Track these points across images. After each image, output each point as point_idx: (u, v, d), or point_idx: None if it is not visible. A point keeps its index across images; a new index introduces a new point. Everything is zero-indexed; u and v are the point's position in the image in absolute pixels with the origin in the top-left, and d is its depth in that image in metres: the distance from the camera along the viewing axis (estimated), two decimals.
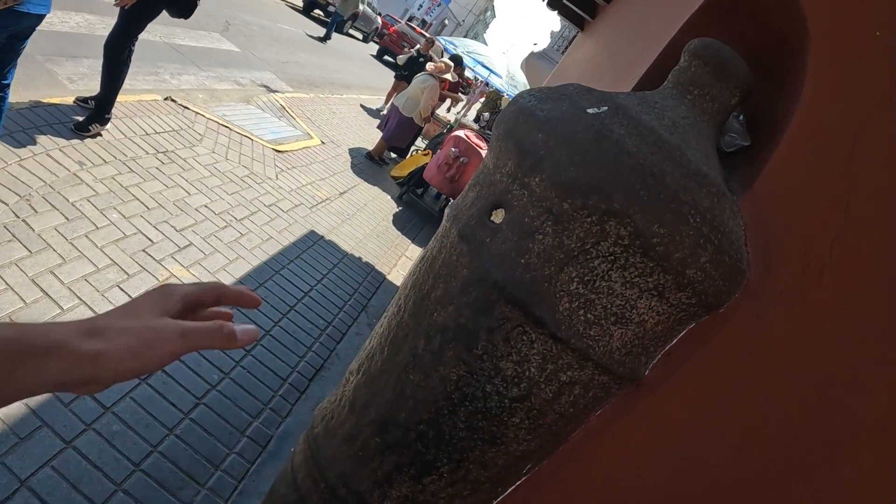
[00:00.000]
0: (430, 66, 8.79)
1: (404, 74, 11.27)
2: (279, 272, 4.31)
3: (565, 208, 1.02)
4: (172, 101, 5.65)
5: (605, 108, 1.10)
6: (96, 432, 2.45)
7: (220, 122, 6.05)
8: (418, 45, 13.52)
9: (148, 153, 4.55)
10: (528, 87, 9.86)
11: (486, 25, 69.59)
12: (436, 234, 1.31)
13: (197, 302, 0.63)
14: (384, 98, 12.79)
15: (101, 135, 4.29)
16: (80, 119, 4.22)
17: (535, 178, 1.05)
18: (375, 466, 1.31)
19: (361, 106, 12.30)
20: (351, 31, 22.75)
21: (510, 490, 1.41)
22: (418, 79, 8.53)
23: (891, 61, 1.16)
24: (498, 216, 1.12)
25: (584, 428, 1.32)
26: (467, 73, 13.75)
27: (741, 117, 1.43)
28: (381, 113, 11.66)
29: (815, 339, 1.23)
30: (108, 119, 4.35)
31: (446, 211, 1.27)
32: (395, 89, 11.69)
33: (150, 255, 3.56)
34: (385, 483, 1.31)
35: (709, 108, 1.25)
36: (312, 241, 5.11)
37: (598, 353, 1.10)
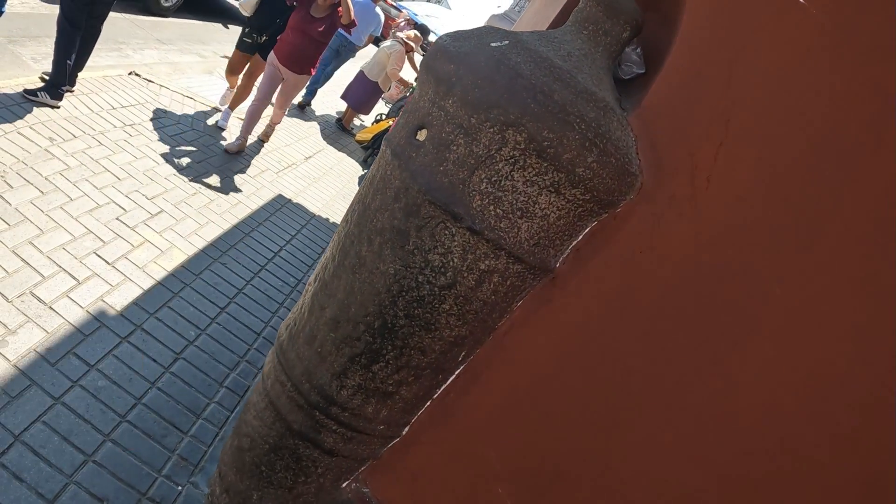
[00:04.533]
0: (410, 33, 8.85)
1: (259, 42, 5.71)
2: (249, 234, 4.50)
3: (473, 122, 1.24)
4: (136, 75, 5.74)
5: (507, 42, 1.32)
6: (83, 388, 2.64)
7: (185, 93, 6.14)
8: None
9: (116, 126, 4.67)
10: None
11: None
12: (376, 158, 1.54)
13: None
14: (221, 95, 6.46)
15: (54, 107, 4.37)
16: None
17: (449, 100, 1.28)
18: (332, 360, 1.54)
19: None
20: None
21: (451, 380, 1.64)
22: (386, 44, 8.59)
23: None
24: (422, 135, 1.34)
25: (511, 320, 1.55)
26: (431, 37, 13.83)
27: (638, 49, 1.65)
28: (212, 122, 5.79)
29: (705, 236, 1.47)
30: (62, 94, 4.41)
31: (384, 138, 1.50)
32: (238, 70, 6.04)
33: (123, 223, 3.73)
34: (342, 374, 1.55)
35: (602, 41, 1.47)
36: (280, 205, 5.28)
37: (509, 243, 1.33)
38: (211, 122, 5.34)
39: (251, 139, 6.06)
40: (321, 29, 5.45)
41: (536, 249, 1.38)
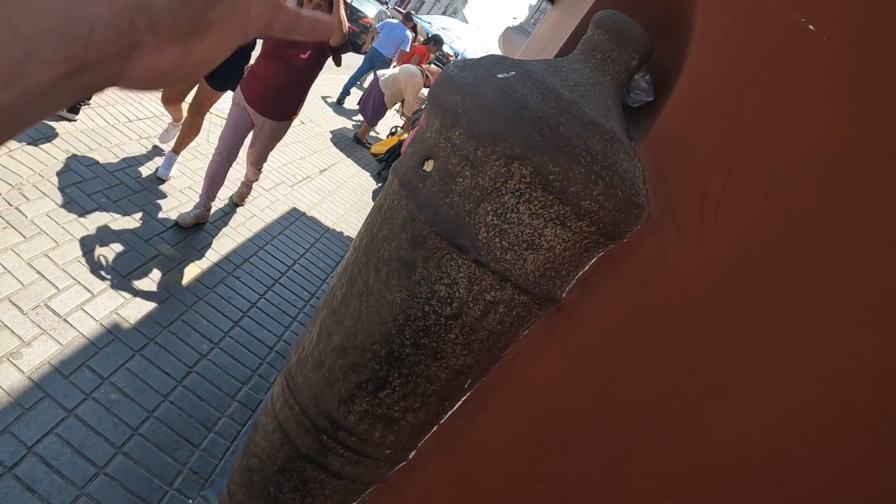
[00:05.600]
0: (433, 67, 9.31)
1: None
2: (263, 248, 4.52)
3: (479, 155, 1.25)
4: None
5: (514, 72, 1.32)
6: (96, 401, 2.66)
7: None
8: None
9: (131, 139, 4.73)
10: None
11: (466, 1, 68.02)
12: (384, 187, 1.55)
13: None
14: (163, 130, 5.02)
15: (71, 120, 4.43)
16: None
17: (455, 132, 1.29)
18: (340, 386, 1.55)
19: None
20: None
21: (457, 406, 1.64)
22: (412, 69, 8.63)
23: (768, 26, 1.38)
24: (429, 166, 1.35)
25: (517, 348, 1.55)
26: (445, 49, 14.05)
27: (647, 77, 1.64)
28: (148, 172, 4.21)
29: (713, 267, 1.46)
30: (79, 107, 4.47)
31: (392, 167, 1.51)
32: (179, 94, 4.73)
33: (138, 236, 3.75)
34: (349, 400, 1.55)
35: (611, 69, 1.47)
36: (294, 218, 5.31)
37: (514, 274, 1.33)
38: (148, 170, 4.35)
39: (218, 203, 4.63)
40: (305, 56, 3.86)
41: (542, 280, 1.38)
